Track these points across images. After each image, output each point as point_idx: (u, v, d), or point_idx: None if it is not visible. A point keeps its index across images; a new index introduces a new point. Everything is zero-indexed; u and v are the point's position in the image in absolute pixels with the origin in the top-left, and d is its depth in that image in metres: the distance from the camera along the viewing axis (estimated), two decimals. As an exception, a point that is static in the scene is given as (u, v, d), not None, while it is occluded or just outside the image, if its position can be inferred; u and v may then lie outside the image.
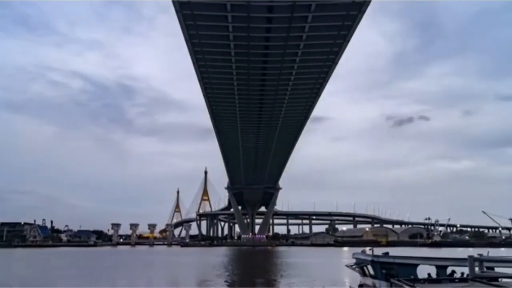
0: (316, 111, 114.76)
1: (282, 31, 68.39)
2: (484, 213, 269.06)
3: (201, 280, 57.34)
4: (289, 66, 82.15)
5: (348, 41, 72.53)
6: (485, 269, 25.67)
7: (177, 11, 61.52)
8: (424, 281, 24.78)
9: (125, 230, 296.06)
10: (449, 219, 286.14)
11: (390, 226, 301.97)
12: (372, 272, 27.47)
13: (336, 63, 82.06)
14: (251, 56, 77.58)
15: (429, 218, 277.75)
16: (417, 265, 26.45)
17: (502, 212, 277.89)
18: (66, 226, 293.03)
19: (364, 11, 62.34)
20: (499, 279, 23.97)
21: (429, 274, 26.39)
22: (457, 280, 24.63)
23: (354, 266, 30.20)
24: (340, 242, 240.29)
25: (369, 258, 27.27)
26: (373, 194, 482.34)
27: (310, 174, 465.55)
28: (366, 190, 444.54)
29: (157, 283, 54.58)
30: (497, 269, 26.55)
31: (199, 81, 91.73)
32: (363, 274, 28.73)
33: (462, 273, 25.69)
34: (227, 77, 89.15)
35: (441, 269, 26.36)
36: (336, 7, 62.37)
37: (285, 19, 64.36)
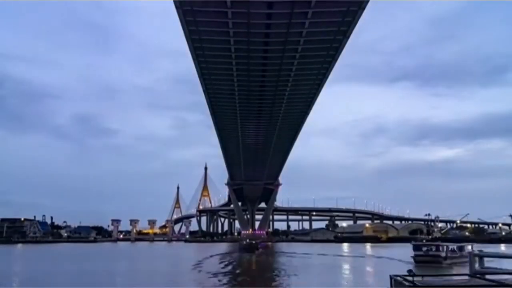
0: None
1: (282, 27, 68.23)
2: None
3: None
4: (289, 62, 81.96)
5: (348, 37, 72.38)
6: (485, 265, 25.77)
7: (177, 8, 61.36)
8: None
9: (125, 226, 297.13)
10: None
11: (390, 222, 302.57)
12: None
13: (336, 59, 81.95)
14: (251, 52, 77.37)
15: (429, 214, 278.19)
16: None
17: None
18: (65, 222, 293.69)
19: (364, 7, 62.15)
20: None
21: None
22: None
23: None
24: (340, 238, 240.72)
25: None
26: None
27: (310, 170, 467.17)
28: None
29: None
30: (497, 266, 26.64)
31: (199, 77, 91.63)
32: None
33: None
34: (227, 73, 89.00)
35: None
36: (336, 3, 62.23)
37: (285, 15, 64.19)
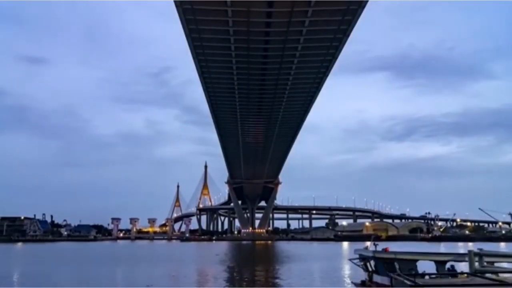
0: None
1: (282, 26, 68.17)
2: (481, 209, 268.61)
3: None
4: (289, 61, 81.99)
5: (348, 35, 72.44)
6: (485, 264, 25.73)
7: (177, 6, 61.28)
8: (424, 275, 24.89)
9: (125, 224, 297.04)
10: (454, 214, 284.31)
11: (390, 220, 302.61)
12: (374, 267, 27.48)
13: (336, 58, 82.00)
14: (251, 51, 77.37)
15: (429, 213, 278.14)
16: (417, 260, 26.47)
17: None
18: (65, 220, 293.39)
19: (364, 6, 62.15)
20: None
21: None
22: (460, 275, 24.75)
23: (356, 262, 30.25)
24: (340, 236, 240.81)
25: (371, 254, 27.27)
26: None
27: (310, 169, 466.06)
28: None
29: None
30: (497, 264, 26.62)
31: (199, 76, 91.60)
32: (366, 269, 28.80)
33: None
34: (227, 72, 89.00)
35: (440, 264, 26.36)
36: (336, 2, 62.17)
37: (285, 13, 64.11)
